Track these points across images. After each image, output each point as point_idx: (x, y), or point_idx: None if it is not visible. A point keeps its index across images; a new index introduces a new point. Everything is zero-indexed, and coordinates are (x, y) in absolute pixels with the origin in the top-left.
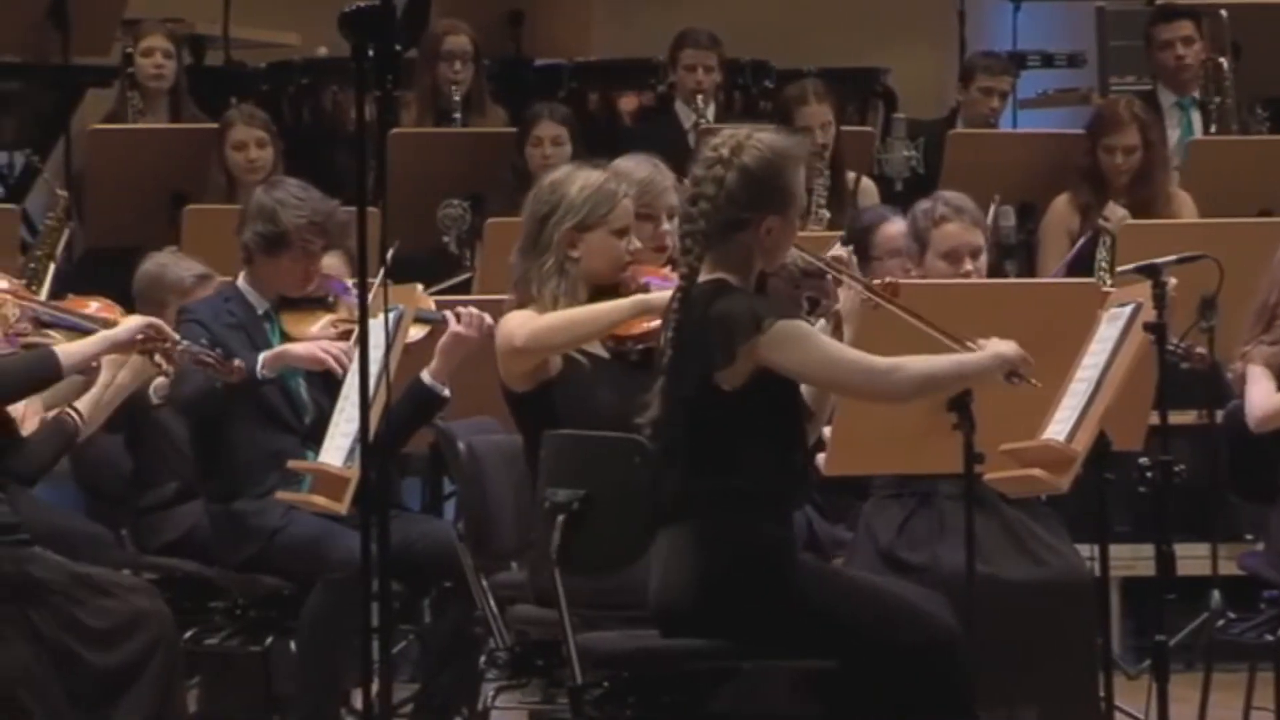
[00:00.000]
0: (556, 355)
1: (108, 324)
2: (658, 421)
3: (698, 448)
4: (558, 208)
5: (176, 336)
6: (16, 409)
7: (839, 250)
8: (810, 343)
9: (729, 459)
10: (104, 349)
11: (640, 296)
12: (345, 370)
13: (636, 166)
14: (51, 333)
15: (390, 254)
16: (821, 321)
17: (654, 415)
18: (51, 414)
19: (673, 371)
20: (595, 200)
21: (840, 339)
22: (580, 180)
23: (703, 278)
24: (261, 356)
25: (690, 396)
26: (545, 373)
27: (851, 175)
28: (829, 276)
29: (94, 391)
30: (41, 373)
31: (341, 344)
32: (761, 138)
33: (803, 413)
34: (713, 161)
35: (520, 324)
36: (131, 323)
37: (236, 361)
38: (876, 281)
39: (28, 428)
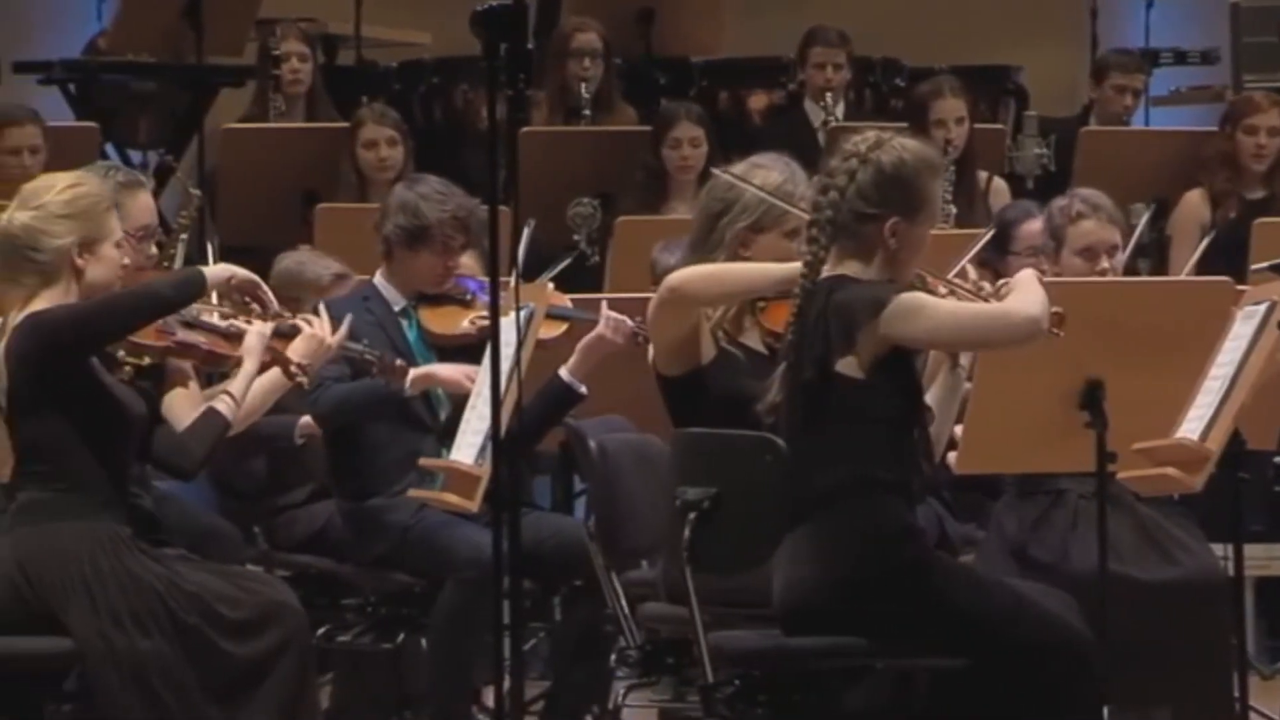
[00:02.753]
0: (708, 341)
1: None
2: (778, 407)
3: (817, 436)
4: (732, 206)
5: (265, 292)
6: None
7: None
8: (927, 306)
9: (849, 447)
10: (218, 277)
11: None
12: None
13: (772, 165)
14: (197, 334)
15: (526, 235)
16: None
17: (773, 400)
18: (203, 406)
19: (795, 358)
20: (772, 201)
21: (956, 359)
22: (758, 180)
23: (828, 271)
24: (411, 375)
25: (811, 382)
26: (698, 357)
27: (984, 175)
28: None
29: (238, 383)
30: (186, 277)
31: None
32: (903, 141)
33: (922, 407)
34: (849, 155)
35: (682, 270)
36: (257, 331)
37: (399, 361)
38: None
39: (186, 418)
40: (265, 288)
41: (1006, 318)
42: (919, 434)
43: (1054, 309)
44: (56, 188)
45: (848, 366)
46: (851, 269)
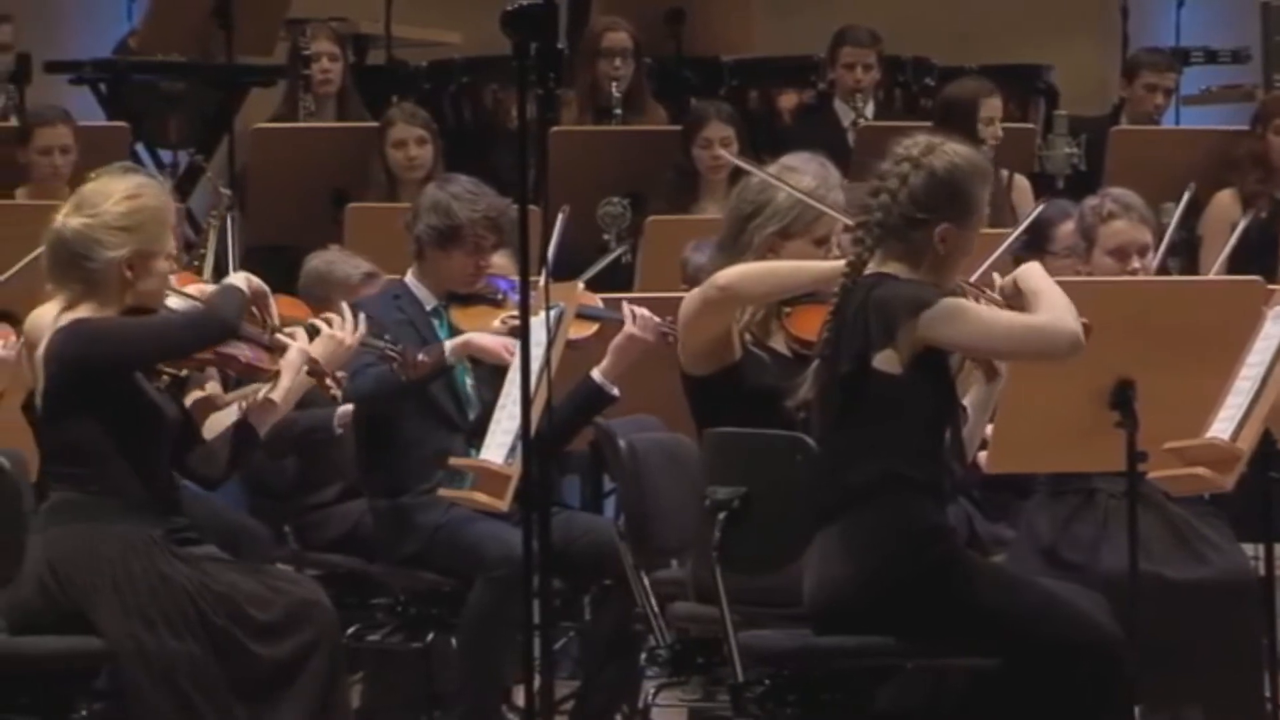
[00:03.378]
0: (735, 342)
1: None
2: (809, 403)
3: (851, 432)
4: (762, 209)
5: (272, 305)
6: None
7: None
8: (970, 312)
9: (883, 444)
10: (296, 383)
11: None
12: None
13: (804, 165)
14: (241, 345)
15: (560, 223)
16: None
17: (805, 395)
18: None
19: (830, 354)
20: (803, 207)
21: (993, 370)
22: (790, 183)
23: (871, 270)
24: (449, 344)
25: (846, 376)
26: (727, 356)
27: (1004, 173)
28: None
29: (277, 395)
30: (234, 298)
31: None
32: (955, 147)
33: (956, 407)
34: (901, 159)
35: (731, 269)
36: (297, 347)
37: (421, 356)
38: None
39: (214, 427)
40: (272, 300)
41: (1048, 333)
42: (952, 433)
43: (1082, 320)
44: (114, 197)
45: (885, 362)
46: (896, 270)
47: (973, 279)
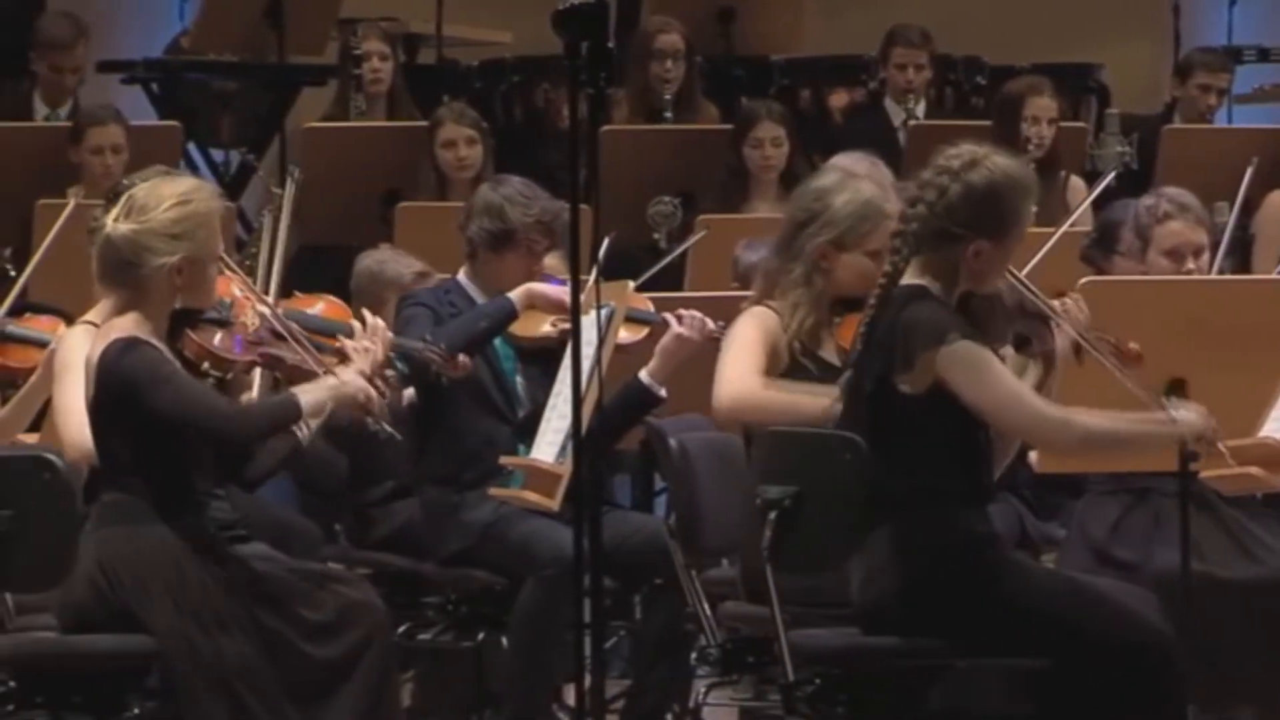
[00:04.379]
0: (783, 353)
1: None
2: (840, 417)
3: (880, 448)
4: (817, 218)
5: (385, 394)
6: None
7: (1071, 302)
8: (987, 370)
9: (912, 461)
10: (333, 399)
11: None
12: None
13: (855, 164)
14: (284, 346)
15: (605, 246)
16: (1030, 364)
17: (835, 411)
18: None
19: (858, 368)
20: (858, 217)
21: (1049, 383)
22: (847, 194)
23: (906, 280)
24: (517, 292)
25: (871, 394)
26: (773, 369)
27: (1061, 173)
28: (1052, 323)
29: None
30: (284, 417)
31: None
32: (997, 160)
33: (982, 424)
34: (942, 170)
35: (733, 380)
36: (360, 385)
37: (461, 357)
38: (1132, 346)
39: None
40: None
41: (1054, 428)
42: (984, 442)
43: (1132, 345)
44: (165, 203)
45: (907, 384)
46: (931, 283)
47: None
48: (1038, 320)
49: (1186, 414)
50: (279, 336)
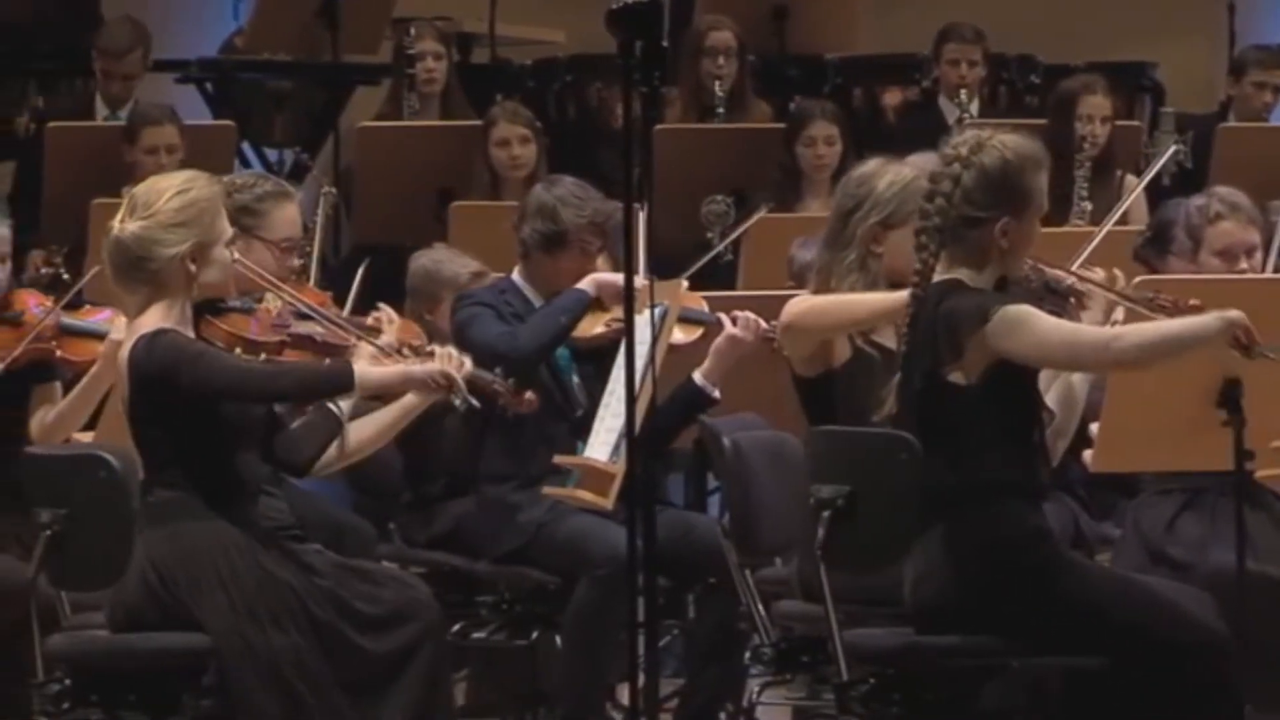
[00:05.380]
0: (843, 341)
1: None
2: (893, 418)
3: (935, 445)
4: (864, 202)
5: (464, 387)
6: None
7: (1099, 272)
8: (1034, 323)
9: (967, 456)
10: (400, 383)
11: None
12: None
13: (926, 166)
14: (312, 325)
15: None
16: None
17: (888, 411)
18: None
19: (906, 368)
20: (903, 197)
21: None
22: (890, 176)
23: (938, 276)
24: (582, 283)
25: (921, 391)
26: (830, 359)
27: (1118, 173)
28: (1071, 300)
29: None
30: (333, 385)
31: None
32: (1003, 139)
33: (1039, 410)
34: (951, 159)
35: (796, 303)
36: (435, 367)
37: (529, 395)
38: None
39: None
40: (458, 380)
41: (1111, 346)
42: (1038, 435)
43: (1193, 301)
44: (166, 195)
45: (958, 376)
46: (963, 274)
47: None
48: (1065, 298)
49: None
50: (304, 317)
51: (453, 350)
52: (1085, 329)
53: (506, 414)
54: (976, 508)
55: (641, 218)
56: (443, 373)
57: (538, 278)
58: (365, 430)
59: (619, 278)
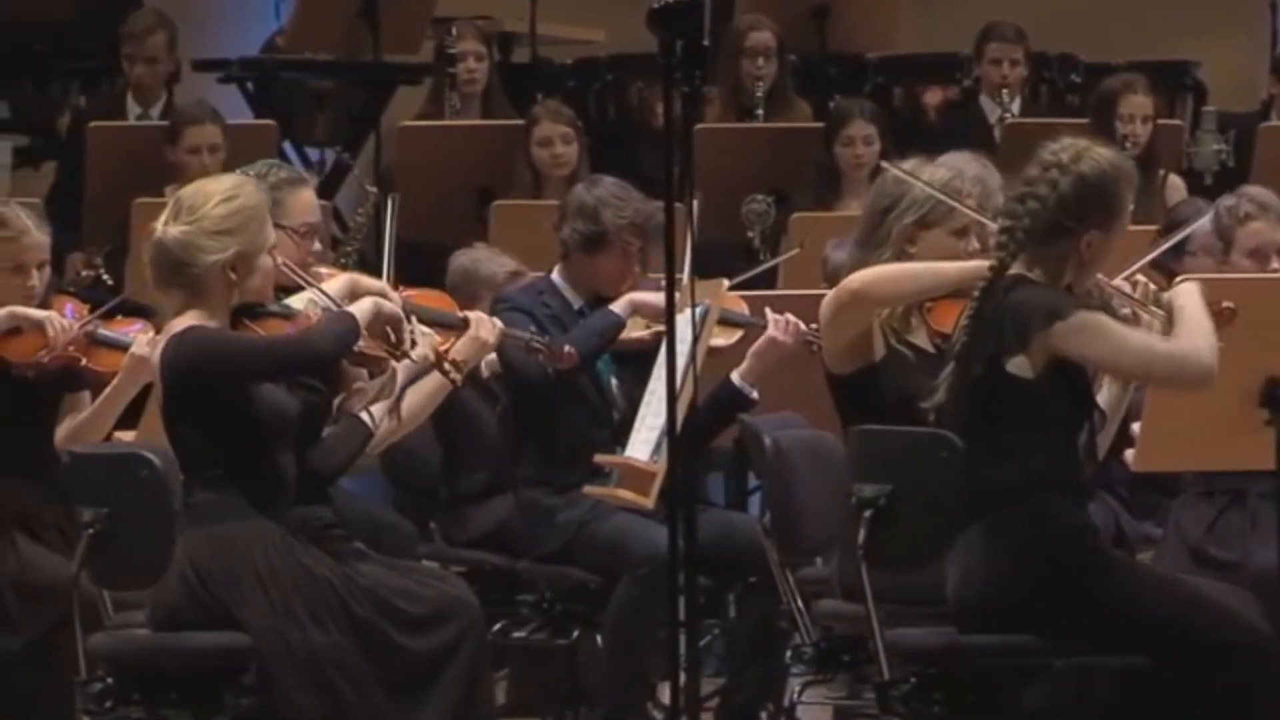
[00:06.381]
0: (879, 339)
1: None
2: (942, 407)
3: (986, 435)
4: (899, 201)
5: (407, 330)
6: None
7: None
8: (1109, 329)
9: (1019, 447)
10: (367, 317)
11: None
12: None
13: (966, 167)
14: None
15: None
16: None
17: (939, 400)
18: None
19: (964, 357)
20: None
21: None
22: (925, 175)
23: (1011, 273)
24: (617, 305)
25: (980, 379)
26: (868, 355)
27: (1160, 172)
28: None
29: (388, 401)
30: (341, 333)
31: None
32: (1102, 152)
33: (1091, 409)
34: (1050, 165)
35: (864, 271)
36: (366, 303)
37: (567, 348)
38: (1225, 305)
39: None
40: (408, 323)
41: (1182, 364)
42: (1087, 434)
43: (1225, 304)
44: (212, 200)
45: (1019, 366)
46: (1038, 274)
47: (1116, 280)
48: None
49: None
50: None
51: (485, 316)
52: (1158, 344)
53: (548, 371)
54: (1020, 503)
55: (684, 215)
56: (377, 306)
57: (578, 278)
58: (413, 398)
59: (656, 298)
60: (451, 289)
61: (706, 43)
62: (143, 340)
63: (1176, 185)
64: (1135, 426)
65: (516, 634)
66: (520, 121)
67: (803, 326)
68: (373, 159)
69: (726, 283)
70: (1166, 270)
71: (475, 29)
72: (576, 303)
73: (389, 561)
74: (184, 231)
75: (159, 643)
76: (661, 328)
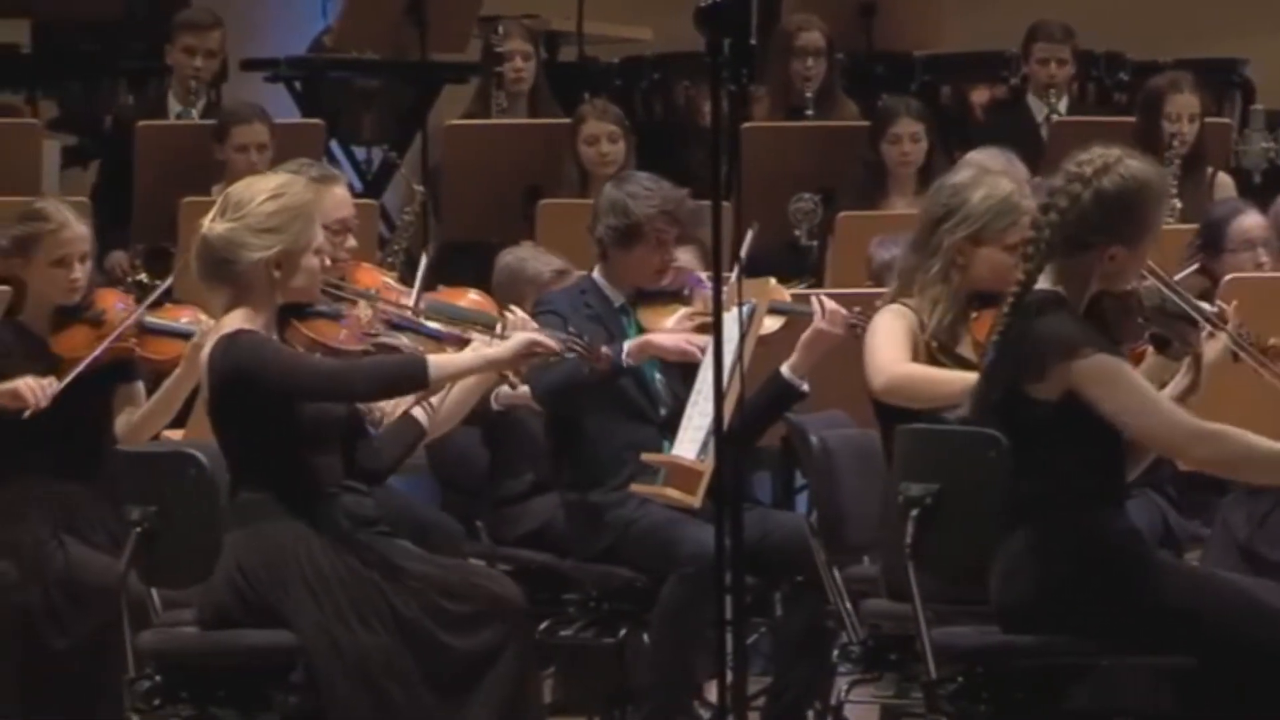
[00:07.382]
0: (920, 353)
1: (478, 317)
2: (965, 421)
3: (1013, 447)
4: (954, 213)
5: (556, 347)
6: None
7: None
8: (1124, 381)
9: (1043, 462)
10: (481, 367)
11: None
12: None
13: (990, 162)
14: (401, 336)
15: (749, 239)
16: (1171, 367)
17: (961, 414)
18: (401, 410)
19: (989, 373)
20: (996, 213)
21: (1193, 386)
22: (985, 189)
23: (1039, 287)
24: (626, 345)
25: (1000, 401)
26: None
27: (1208, 170)
28: (1201, 327)
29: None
30: (407, 379)
31: (705, 338)
32: (1129, 164)
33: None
34: (1074, 177)
35: (885, 365)
36: (514, 344)
37: (604, 349)
38: (1272, 342)
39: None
40: (546, 341)
41: (1191, 444)
42: (1119, 444)
43: (1273, 340)
44: (259, 198)
45: (1037, 392)
46: (1064, 288)
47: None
48: (1181, 322)
49: None
50: (396, 327)
51: (523, 316)
52: (1178, 410)
53: (584, 371)
54: (1061, 513)
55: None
56: (530, 342)
57: (617, 275)
58: (454, 394)
59: (671, 339)
60: (497, 287)
61: (753, 42)
62: (204, 326)
63: (1226, 183)
64: None
65: (563, 633)
66: (567, 120)
67: (844, 312)
68: (419, 158)
69: (774, 281)
70: (1208, 271)
71: (522, 28)
72: (617, 300)
73: (435, 560)
74: (229, 228)
75: (207, 641)
76: (707, 321)
